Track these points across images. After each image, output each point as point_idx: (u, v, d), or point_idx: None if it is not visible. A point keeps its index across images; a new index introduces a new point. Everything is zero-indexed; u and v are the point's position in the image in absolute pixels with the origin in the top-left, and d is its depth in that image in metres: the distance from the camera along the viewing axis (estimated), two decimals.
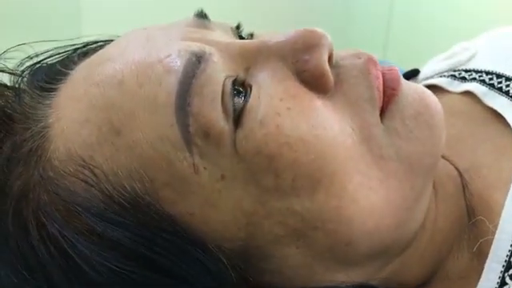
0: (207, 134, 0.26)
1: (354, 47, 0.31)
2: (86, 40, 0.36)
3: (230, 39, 0.30)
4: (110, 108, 0.27)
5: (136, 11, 0.90)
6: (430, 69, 0.45)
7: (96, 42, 0.35)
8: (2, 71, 0.32)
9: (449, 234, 0.33)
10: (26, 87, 0.31)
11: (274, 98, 0.27)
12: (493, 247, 0.29)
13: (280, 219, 0.27)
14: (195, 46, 0.28)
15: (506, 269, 0.29)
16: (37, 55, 0.34)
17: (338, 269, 0.29)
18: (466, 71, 0.41)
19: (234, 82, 0.28)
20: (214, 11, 0.33)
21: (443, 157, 0.35)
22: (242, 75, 0.28)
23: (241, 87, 0.28)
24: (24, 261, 0.27)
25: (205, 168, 0.26)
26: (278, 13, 1.19)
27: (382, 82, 0.29)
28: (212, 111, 0.26)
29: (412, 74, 0.46)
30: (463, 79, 0.40)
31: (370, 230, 0.27)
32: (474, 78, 0.40)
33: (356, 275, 0.29)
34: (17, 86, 0.32)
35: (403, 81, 0.30)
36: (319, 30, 0.29)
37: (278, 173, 0.26)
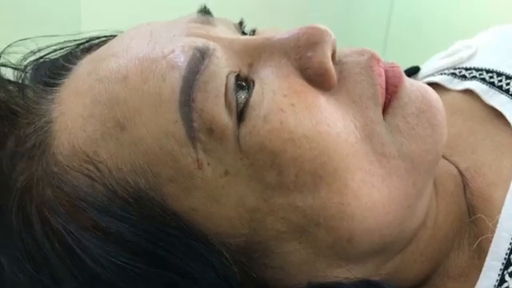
0: (211, 129, 0.26)
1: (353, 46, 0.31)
2: (86, 35, 0.36)
3: (234, 35, 0.30)
4: (114, 103, 0.27)
5: (137, 7, 0.90)
6: (430, 66, 0.45)
7: (99, 38, 0.35)
8: (5, 66, 0.32)
9: (449, 232, 0.33)
10: (29, 82, 0.31)
11: (278, 94, 0.27)
12: (492, 245, 0.30)
13: (283, 215, 0.27)
14: (199, 42, 0.28)
15: (506, 266, 0.29)
16: (39, 50, 0.34)
17: (340, 265, 0.29)
18: (467, 69, 0.41)
19: (237, 78, 0.28)
20: (214, 9, 0.33)
21: (443, 156, 0.35)
22: (245, 71, 0.28)
23: (244, 83, 0.28)
24: (29, 256, 0.27)
25: (208, 164, 0.27)
26: (279, 12, 1.19)
27: (384, 79, 0.29)
28: (215, 107, 0.26)
29: (412, 72, 0.46)
30: (463, 77, 0.40)
31: (372, 227, 0.28)
32: (475, 76, 0.40)
33: (357, 272, 0.29)
34: (20, 81, 0.32)
35: (406, 78, 0.30)
36: (322, 26, 0.29)
37: (281, 169, 0.26)
